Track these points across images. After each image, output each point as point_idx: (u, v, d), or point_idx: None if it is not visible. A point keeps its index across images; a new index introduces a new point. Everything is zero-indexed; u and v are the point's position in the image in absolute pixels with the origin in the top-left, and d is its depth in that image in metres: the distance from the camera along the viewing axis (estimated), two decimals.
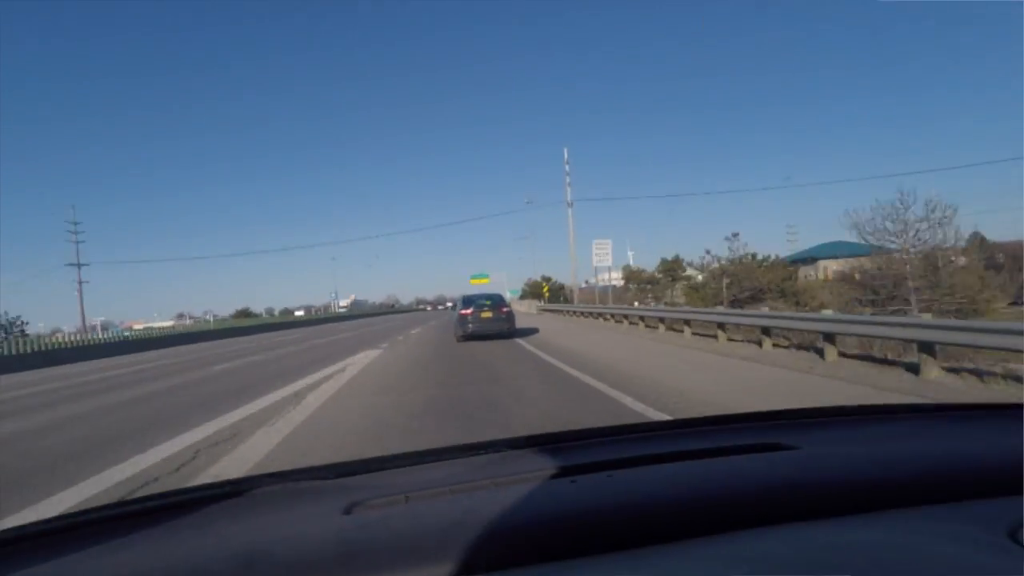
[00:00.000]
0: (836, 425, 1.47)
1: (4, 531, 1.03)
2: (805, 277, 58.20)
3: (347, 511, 0.99)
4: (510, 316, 17.11)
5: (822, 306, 19.67)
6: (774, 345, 11.43)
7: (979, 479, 0.97)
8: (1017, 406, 1.38)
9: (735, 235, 35.12)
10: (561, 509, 0.94)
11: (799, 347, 11.00)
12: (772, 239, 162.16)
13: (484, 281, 79.77)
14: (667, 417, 5.56)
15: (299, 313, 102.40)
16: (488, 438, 1.50)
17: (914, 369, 7.42)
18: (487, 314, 16.80)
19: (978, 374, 7.01)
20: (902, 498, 0.91)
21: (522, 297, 74.19)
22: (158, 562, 0.90)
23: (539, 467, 1.19)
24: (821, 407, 1.61)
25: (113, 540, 1.02)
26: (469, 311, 16.85)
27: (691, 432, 1.55)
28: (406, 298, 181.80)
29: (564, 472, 1.11)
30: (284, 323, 54.94)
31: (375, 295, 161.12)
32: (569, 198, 39.67)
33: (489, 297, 18.00)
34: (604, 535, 0.85)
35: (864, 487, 0.96)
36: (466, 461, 1.35)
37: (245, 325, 45.02)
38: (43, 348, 24.11)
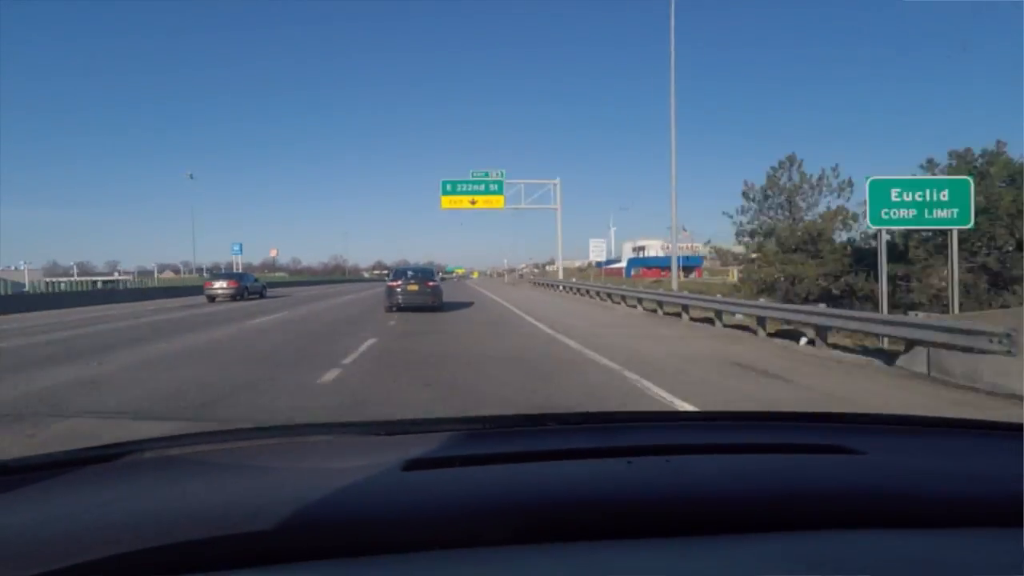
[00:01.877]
0: (900, 433, 1.45)
1: None
2: None
3: (405, 469, 1.00)
4: (436, 290, 18.06)
5: None
6: None
7: None
8: None
9: None
10: (618, 489, 0.94)
11: None
12: None
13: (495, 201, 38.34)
14: None
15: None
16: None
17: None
18: (413, 287, 17.88)
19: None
20: (977, 516, 0.90)
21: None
22: (216, 501, 0.91)
23: (593, 444, 1.19)
24: (884, 414, 1.64)
25: (152, 479, 1.05)
26: (398, 283, 18.04)
27: (750, 426, 1.54)
28: (366, 261, 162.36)
29: (619, 452, 1.10)
30: None
31: (317, 255, 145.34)
32: None
33: (420, 271, 19.51)
34: (660, 519, 0.85)
35: (935, 501, 0.95)
36: (518, 432, 1.36)
37: None
38: None
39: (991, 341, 6.70)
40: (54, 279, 61.39)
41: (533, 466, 1.05)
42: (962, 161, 15.90)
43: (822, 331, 10.35)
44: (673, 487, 0.96)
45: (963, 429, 1.51)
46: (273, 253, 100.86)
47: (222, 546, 0.75)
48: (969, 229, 12.15)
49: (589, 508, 0.87)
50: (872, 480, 1.01)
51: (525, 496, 0.90)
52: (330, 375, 7.47)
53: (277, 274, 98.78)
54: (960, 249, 12.16)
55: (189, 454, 1.15)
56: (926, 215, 11.39)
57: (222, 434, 1.27)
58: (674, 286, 20.61)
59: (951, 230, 11.67)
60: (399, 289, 17.84)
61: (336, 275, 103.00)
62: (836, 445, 1.17)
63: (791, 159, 20.70)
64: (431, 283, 18.16)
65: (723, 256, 28.96)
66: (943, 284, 13.54)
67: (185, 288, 37.06)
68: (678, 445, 1.17)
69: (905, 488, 0.97)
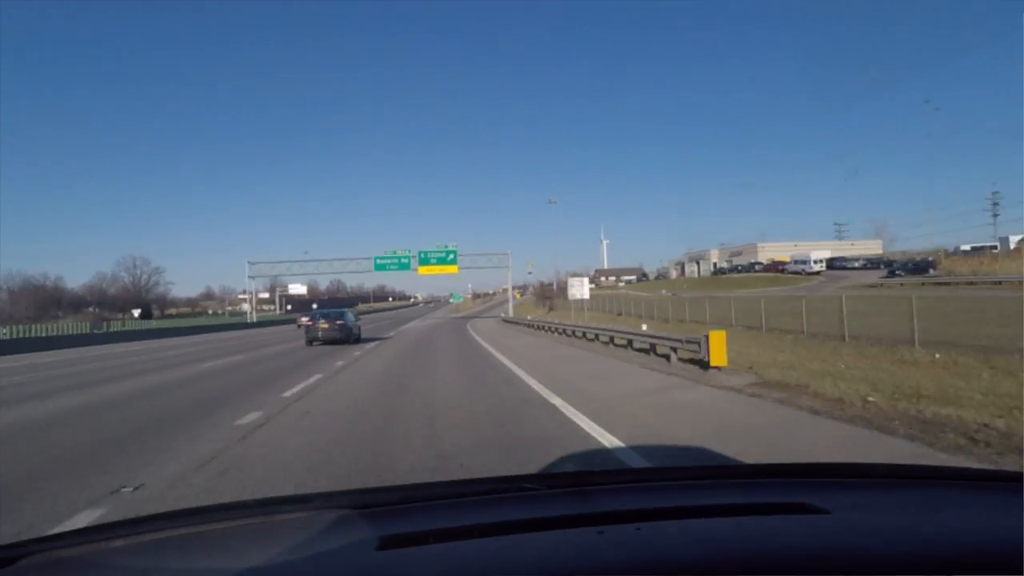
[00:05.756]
0: (862, 487, 1.47)
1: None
2: None
3: (379, 547, 1.01)
4: (344, 327, 23.48)
5: None
6: None
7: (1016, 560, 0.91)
8: None
9: None
10: (590, 562, 0.97)
11: None
12: None
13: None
14: None
15: None
16: None
17: None
18: (325, 325, 23.33)
19: None
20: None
21: None
22: None
23: (565, 511, 1.22)
24: (849, 464, 1.69)
25: (139, 562, 1.05)
26: (313, 323, 23.93)
27: (717, 484, 1.57)
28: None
29: (591, 520, 1.13)
30: None
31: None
32: None
33: (333, 313, 25.43)
34: None
35: (898, 562, 0.96)
36: (490, 499, 1.37)
37: None
38: None
39: None
40: None
41: (506, 540, 1.08)
42: None
43: None
44: (644, 557, 0.99)
45: (927, 480, 1.53)
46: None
47: None
48: None
49: None
50: (836, 542, 1.05)
51: (502, 574, 0.92)
52: None
53: None
54: None
55: (162, 539, 1.15)
56: None
57: (191, 514, 1.28)
58: None
59: None
60: (314, 327, 23.44)
61: None
62: (800, 503, 1.20)
63: None
64: (339, 322, 23.62)
65: None
66: None
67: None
68: (649, 510, 1.20)
69: (869, 549, 1.00)
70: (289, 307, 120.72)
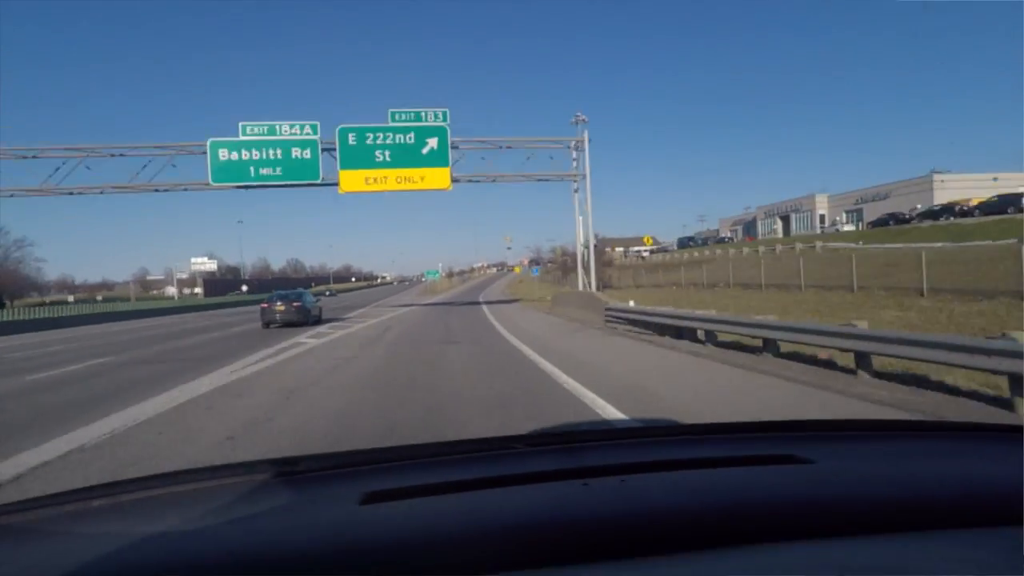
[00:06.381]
0: (849, 439, 1.54)
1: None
2: None
3: (362, 502, 1.10)
4: (301, 309, 25.16)
5: None
6: None
7: (998, 505, 1.01)
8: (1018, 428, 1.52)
9: None
10: (574, 512, 1.05)
11: None
12: None
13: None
14: None
15: None
16: None
17: None
18: (281, 307, 24.63)
19: None
20: (919, 520, 0.98)
21: None
22: (156, 548, 0.97)
23: (551, 467, 1.30)
24: (834, 420, 1.77)
25: (119, 523, 1.11)
26: (270, 305, 25.21)
27: (703, 439, 1.64)
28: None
29: (576, 474, 1.21)
30: None
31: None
32: None
33: (290, 294, 26.39)
34: (616, 541, 0.93)
35: (881, 507, 1.02)
36: (477, 456, 1.46)
37: None
38: None
39: None
40: None
41: (491, 493, 1.15)
42: None
43: None
44: (628, 507, 1.06)
45: (905, 432, 1.61)
46: None
47: None
48: None
49: (547, 533, 0.95)
50: (820, 488, 1.12)
51: (483, 525, 1.00)
52: None
53: None
54: None
55: (141, 498, 1.23)
56: None
57: (176, 475, 1.36)
58: None
59: None
60: (270, 308, 24.53)
61: None
62: (785, 455, 1.29)
63: None
64: (296, 303, 25.04)
65: None
66: None
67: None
68: (633, 464, 1.29)
69: (856, 495, 1.08)
70: (198, 291, 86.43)
